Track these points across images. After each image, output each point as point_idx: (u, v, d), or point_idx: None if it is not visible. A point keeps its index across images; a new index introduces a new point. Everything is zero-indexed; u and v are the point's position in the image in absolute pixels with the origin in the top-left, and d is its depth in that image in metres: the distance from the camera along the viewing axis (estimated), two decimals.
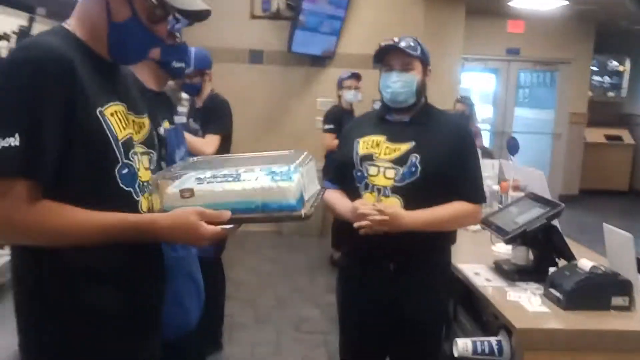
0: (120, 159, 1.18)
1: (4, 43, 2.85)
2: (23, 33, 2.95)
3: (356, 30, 6.01)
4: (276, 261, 5.27)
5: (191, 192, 1.18)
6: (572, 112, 8.38)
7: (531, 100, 9.18)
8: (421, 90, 1.97)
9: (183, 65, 1.94)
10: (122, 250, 1.17)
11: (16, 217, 1.07)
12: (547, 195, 2.44)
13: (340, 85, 4.88)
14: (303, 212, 1.15)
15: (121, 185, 1.18)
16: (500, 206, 2.80)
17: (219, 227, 1.16)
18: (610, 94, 9.58)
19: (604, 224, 2.01)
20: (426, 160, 1.87)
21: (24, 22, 2.96)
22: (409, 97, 1.94)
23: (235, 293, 4.28)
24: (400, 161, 1.89)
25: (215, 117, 3.18)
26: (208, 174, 1.24)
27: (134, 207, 1.21)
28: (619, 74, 9.55)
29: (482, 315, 2.22)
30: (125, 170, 1.19)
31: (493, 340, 1.94)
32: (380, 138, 1.96)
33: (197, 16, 1.30)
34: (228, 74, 6.12)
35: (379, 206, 1.80)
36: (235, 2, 6.07)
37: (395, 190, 1.88)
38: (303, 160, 1.26)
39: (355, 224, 1.81)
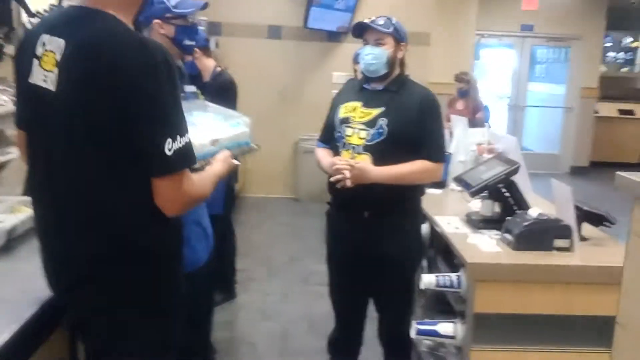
0: None
1: (36, 20, 3.05)
2: (52, 9, 3.14)
3: (370, 6, 6.27)
4: (291, 224, 5.68)
5: (217, 141, 1.65)
6: (583, 87, 8.52)
7: (545, 75, 9.33)
8: (392, 62, 2.27)
9: (194, 43, 2.27)
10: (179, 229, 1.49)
11: (194, 192, 1.36)
12: (519, 157, 2.75)
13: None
14: (254, 145, 1.83)
15: None
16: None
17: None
18: (624, 69, 9.66)
19: (552, 179, 2.32)
20: (392, 123, 2.20)
21: (54, 1, 3.20)
22: (379, 68, 2.26)
23: (251, 252, 4.72)
24: (371, 124, 2.23)
25: (219, 97, 3.45)
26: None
27: None
28: (633, 50, 9.63)
29: (454, 259, 2.56)
30: None
31: (453, 275, 2.29)
32: (357, 104, 2.30)
33: None
34: (248, 49, 6.48)
35: (350, 162, 2.15)
36: None
37: (367, 148, 2.22)
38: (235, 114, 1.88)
39: (332, 178, 2.18)
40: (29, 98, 1.39)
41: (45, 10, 3.18)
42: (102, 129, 1.25)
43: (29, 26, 3.10)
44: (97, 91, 1.23)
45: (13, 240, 1.96)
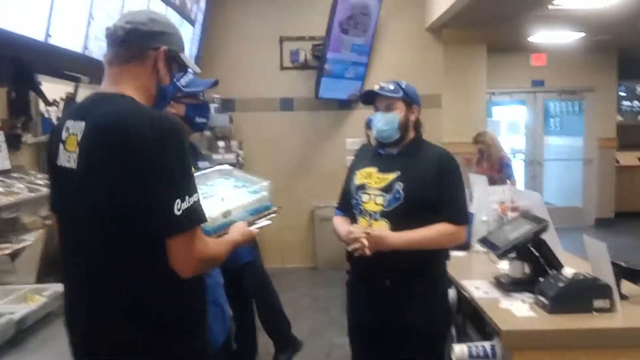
0: None
1: (53, 108, 3.22)
2: (69, 99, 3.30)
3: (380, 73, 6.36)
4: (310, 295, 5.52)
5: (229, 212, 1.65)
6: (601, 138, 8.45)
7: (560, 128, 9.30)
8: (405, 126, 2.24)
9: (205, 120, 2.27)
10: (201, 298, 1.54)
11: (207, 252, 1.41)
12: (545, 214, 2.65)
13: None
14: (275, 207, 1.80)
15: None
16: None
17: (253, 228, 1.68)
18: None
19: (584, 235, 2.22)
20: (409, 187, 2.14)
21: (70, 90, 3.32)
22: (392, 133, 2.22)
23: None
24: (387, 189, 2.17)
25: None
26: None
27: None
28: None
29: (485, 326, 2.43)
30: None
31: (487, 344, 2.15)
32: (373, 169, 2.25)
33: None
34: (261, 122, 6.58)
35: (367, 229, 2.08)
36: (267, 56, 6.55)
37: (384, 214, 2.15)
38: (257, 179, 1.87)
39: (349, 247, 2.10)
40: (57, 181, 1.51)
41: (61, 99, 3.27)
42: (119, 198, 1.33)
43: (46, 115, 3.18)
44: (113, 164, 1.32)
45: (22, 332, 1.90)
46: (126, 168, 1.31)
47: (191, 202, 1.34)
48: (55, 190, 1.55)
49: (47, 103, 3.12)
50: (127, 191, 1.32)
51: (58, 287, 2.16)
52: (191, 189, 1.36)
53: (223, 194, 1.73)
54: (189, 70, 1.65)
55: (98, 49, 3.14)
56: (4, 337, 1.80)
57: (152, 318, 1.39)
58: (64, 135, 1.44)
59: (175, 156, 1.34)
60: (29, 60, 2.83)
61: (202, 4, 5.31)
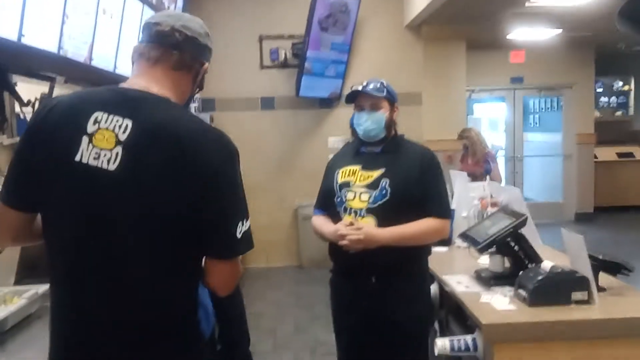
0: None
1: (29, 109, 3.12)
2: (44, 99, 3.19)
3: (360, 71, 6.38)
4: (295, 293, 5.54)
5: None
6: (580, 133, 8.56)
7: (539, 125, 9.41)
8: (390, 125, 2.26)
9: None
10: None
11: (240, 274, 1.41)
12: (524, 208, 2.68)
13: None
14: None
15: None
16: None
17: None
18: (618, 113, 9.78)
19: (562, 229, 2.24)
20: (395, 183, 2.15)
21: (45, 90, 3.23)
22: (379, 132, 2.24)
23: (255, 324, 4.54)
24: (372, 185, 2.18)
25: None
26: None
27: None
28: (625, 94, 9.79)
29: (467, 320, 2.44)
30: None
31: (469, 337, 2.17)
32: (356, 167, 2.26)
33: None
34: (242, 121, 6.54)
35: (354, 225, 2.08)
36: (246, 55, 6.52)
37: (370, 211, 2.16)
38: None
39: (339, 243, 2.10)
40: (66, 177, 1.29)
41: (36, 99, 3.21)
42: (176, 212, 1.26)
43: (22, 116, 3.13)
44: (176, 177, 1.25)
45: (3, 334, 1.88)
46: (193, 184, 1.25)
47: (247, 226, 1.34)
48: (50, 186, 1.31)
49: (22, 104, 3.07)
50: (187, 207, 1.26)
51: (38, 289, 2.13)
52: (248, 212, 1.35)
53: None
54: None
55: (73, 48, 3.10)
56: None
57: (175, 326, 1.34)
58: (90, 127, 1.27)
59: (239, 177, 1.34)
60: (3, 60, 2.78)
61: (180, 2, 5.26)
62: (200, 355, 1.42)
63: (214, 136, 1.33)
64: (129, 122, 1.27)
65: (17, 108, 3.11)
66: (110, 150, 1.26)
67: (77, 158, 1.27)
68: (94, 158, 1.26)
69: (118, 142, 1.26)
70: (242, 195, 1.34)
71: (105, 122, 1.28)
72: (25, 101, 3.08)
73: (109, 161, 1.26)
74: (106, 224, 1.27)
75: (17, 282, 2.36)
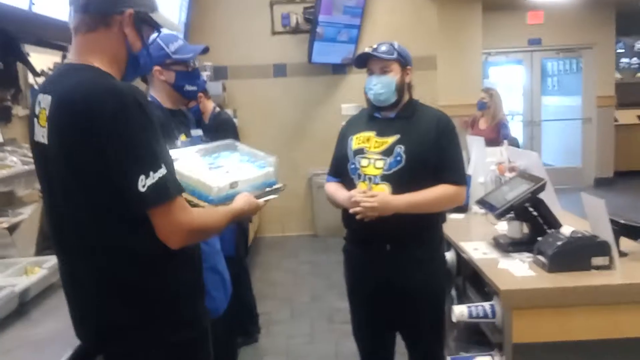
0: None
1: (42, 79, 3.17)
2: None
3: (373, 35, 6.27)
4: (311, 262, 5.56)
5: (236, 183, 1.61)
6: (599, 96, 8.37)
7: (558, 88, 9.21)
8: (401, 88, 2.20)
9: (195, 88, 2.22)
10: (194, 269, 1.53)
11: (193, 222, 1.36)
12: (543, 173, 2.63)
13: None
14: (280, 184, 1.76)
15: None
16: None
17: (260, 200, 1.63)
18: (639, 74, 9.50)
19: (582, 193, 2.20)
20: (410, 149, 2.11)
21: (58, 59, 3.26)
22: (389, 96, 2.18)
23: (272, 293, 4.61)
24: (387, 152, 2.14)
25: (218, 137, 3.38)
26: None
27: None
28: None
29: (484, 287, 2.43)
30: None
31: (487, 304, 2.15)
32: (371, 134, 2.21)
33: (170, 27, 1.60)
34: (255, 88, 6.51)
35: (368, 192, 2.06)
36: (257, 21, 6.44)
37: (384, 178, 2.12)
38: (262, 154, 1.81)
39: (351, 210, 2.08)
40: (35, 156, 1.46)
41: (49, 69, 3.21)
42: (89, 175, 1.30)
43: (35, 86, 3.12)
44: (78, 139, 1.28)
45: (26, 304, 1.91)
46: (91, 146, 1.27)
47: (156, 178, 1.28)
48: (36, 167, 1.49)
49: (36, 74, 3.06)
50: (94, 170, 1.28)
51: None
52: (156, 163, 1.29)
53: (228, 167, 1.69)
54: (162, 29, 1.54)
55: None
56: (8, 309, 1.81)
57: (138, 295, 1.38)
58: (37, 109, 1.38)
59: (138, 129, 1.28)
60: (15, 30, 2.76)
61: None
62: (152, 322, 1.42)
63: (106, 91, 1.29)
64: (49, 98, 1.35)
65: (31, 79, 3.10)
66: (44, 127, 1.36)
67: (36, 139, 1.41)
68: (42, 136, 1.37)
69: (48, 118, 1.35)
70: (142, 149, 1.28)
71: (42, 102, 1.37)
72: (39, 71, 3.07)
73: (43, 136, 1.37)
74: (54, 193, 1.39)
75: (38, 252, 2.38)
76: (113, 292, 1.37)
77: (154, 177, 1.28)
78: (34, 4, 2.62)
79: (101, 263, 1.36)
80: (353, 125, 2.33)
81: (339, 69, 6.54)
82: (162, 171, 1.30)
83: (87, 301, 1.42)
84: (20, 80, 3.02)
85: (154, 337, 1.40)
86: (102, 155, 1.26)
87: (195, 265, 1.53)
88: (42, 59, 3.13)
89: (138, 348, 1.40)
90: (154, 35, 1.54)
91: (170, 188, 1.31)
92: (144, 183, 1.27)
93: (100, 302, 1.39)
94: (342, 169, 2.27)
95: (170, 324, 1.42)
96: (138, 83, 4.44)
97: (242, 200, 1.56)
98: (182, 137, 2.11)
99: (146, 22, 1.45)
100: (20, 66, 2.98)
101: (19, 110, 2.99)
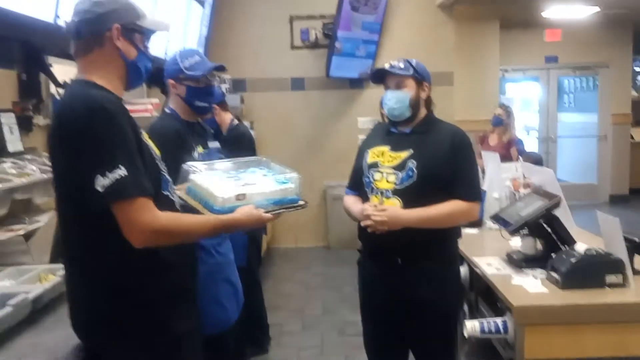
0: (164, 173, 1.58)
1: (62, 90, 3.23)
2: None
3: (391, 51, 6.33)
4: (323, 274, 5.56)
5: (244, 195, 1.60)
6: (615, 113, 8.33)
7: (574, 105, 9.17)
8: (416, 104, 2.21)
9: (206, 104, 2.23)
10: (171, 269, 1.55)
11: (157, 223, 1.39)
12: (557, 189, 2.63)
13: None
14: (302, 202, 1.69)
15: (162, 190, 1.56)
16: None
17: (268, 214, 1.60)
18: None
19: (597, 211, 2.19)
20: (421, 164, 2.12)
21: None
22: (403, 111, 2.20)
23: (284, 304, 4.61)
24: (400, 167, 2.16)
25: (235, 149, 3.39)
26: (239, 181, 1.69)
27: (171, 204, 1.58)
28: None
29: (497, 302, 2.42)
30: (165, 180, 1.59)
31: (499, 320, 2.15)
32: (385, 148, 2.23)
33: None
34: (272, 102, 6.57)
35: (379, 206, 2.07)
36: (277, 36, 6.51)
37: (396, 192, 2.14)
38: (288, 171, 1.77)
39: (362, 223, 2.10)
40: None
41: (72, 80, 3.26)
42: (66, 178, 1.42)
43: (57, 97, 3.18)
44: (57, 144, 1.42)
45: (37, 312, 1.92)
46: (64, 150, 1.39)
47: (113, 180, 1.34)
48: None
49: (58, 85, 3.12)
50: (68, 172, 1.40)
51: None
52: (113, 164, 1.35)
53: (248, 180, 1.70)
54: (155, 30, 1.61)
55: None
56: (20, 315, 1.81)
57: (115, 294, 1.46)
58: None
59: (99, 131, 1.36)
60: (39, 42, 2.83)
61: None
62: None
63: (78, 99, 1.40)
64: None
65: (53, 89, 3.17)
66: None
67: None
68: None
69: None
70: (105, 146, 1.35)
71: None
72: (61, 82, 3.14)
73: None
74: (56, 199, 1.52)
75: (52, 260, 2.40)
76: (97, 289, 1.47)
77: (110, 177, 1.34)
78: (59, 17, 2.68)
79: (85, 261, 1.48)
80: (370, 139, 2.36)
81: (356, 84, 6.58)
82: (121, 172, 1.35)
83: (76, 297, 1.53)
84: (43, 91, 3.08)
85: (127, 336, 1.48)
86: (72, 157, 1.37)
87: (180, 272, 1.56)
88: (65, 70, 3.20)
89: (115, 345, 1.49)
90: (154, 35, 1.63)
91: (129, 188, 1.36)
92: (103, 183, 1.34)
93: (86, 298, 1.50)
94: (360, 182, 2.29)
95: (140, 325, 1.48)
96: (157, 95, 4.48)
97: (240, 212, 1.56)
98: (199, 149, 2.15)
99: (135, 31, 1.53)
100: (42, 76, 3.05)
101: (40, 120, 3.05)
